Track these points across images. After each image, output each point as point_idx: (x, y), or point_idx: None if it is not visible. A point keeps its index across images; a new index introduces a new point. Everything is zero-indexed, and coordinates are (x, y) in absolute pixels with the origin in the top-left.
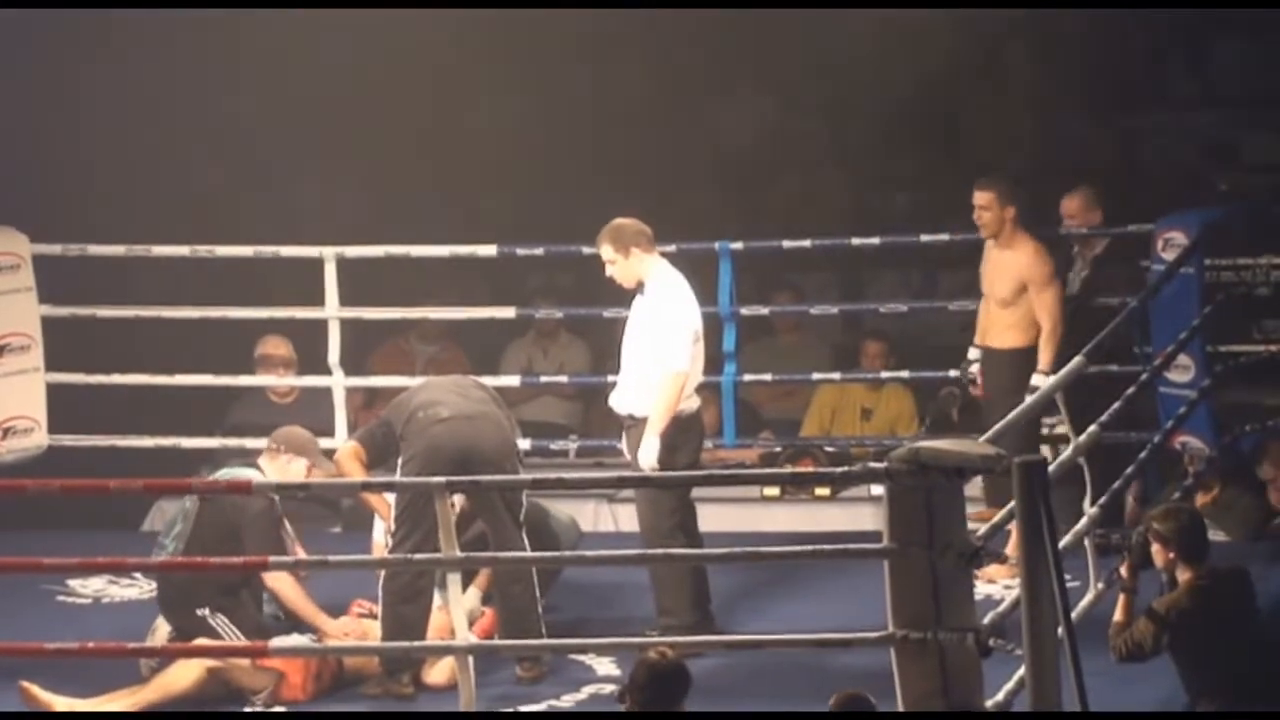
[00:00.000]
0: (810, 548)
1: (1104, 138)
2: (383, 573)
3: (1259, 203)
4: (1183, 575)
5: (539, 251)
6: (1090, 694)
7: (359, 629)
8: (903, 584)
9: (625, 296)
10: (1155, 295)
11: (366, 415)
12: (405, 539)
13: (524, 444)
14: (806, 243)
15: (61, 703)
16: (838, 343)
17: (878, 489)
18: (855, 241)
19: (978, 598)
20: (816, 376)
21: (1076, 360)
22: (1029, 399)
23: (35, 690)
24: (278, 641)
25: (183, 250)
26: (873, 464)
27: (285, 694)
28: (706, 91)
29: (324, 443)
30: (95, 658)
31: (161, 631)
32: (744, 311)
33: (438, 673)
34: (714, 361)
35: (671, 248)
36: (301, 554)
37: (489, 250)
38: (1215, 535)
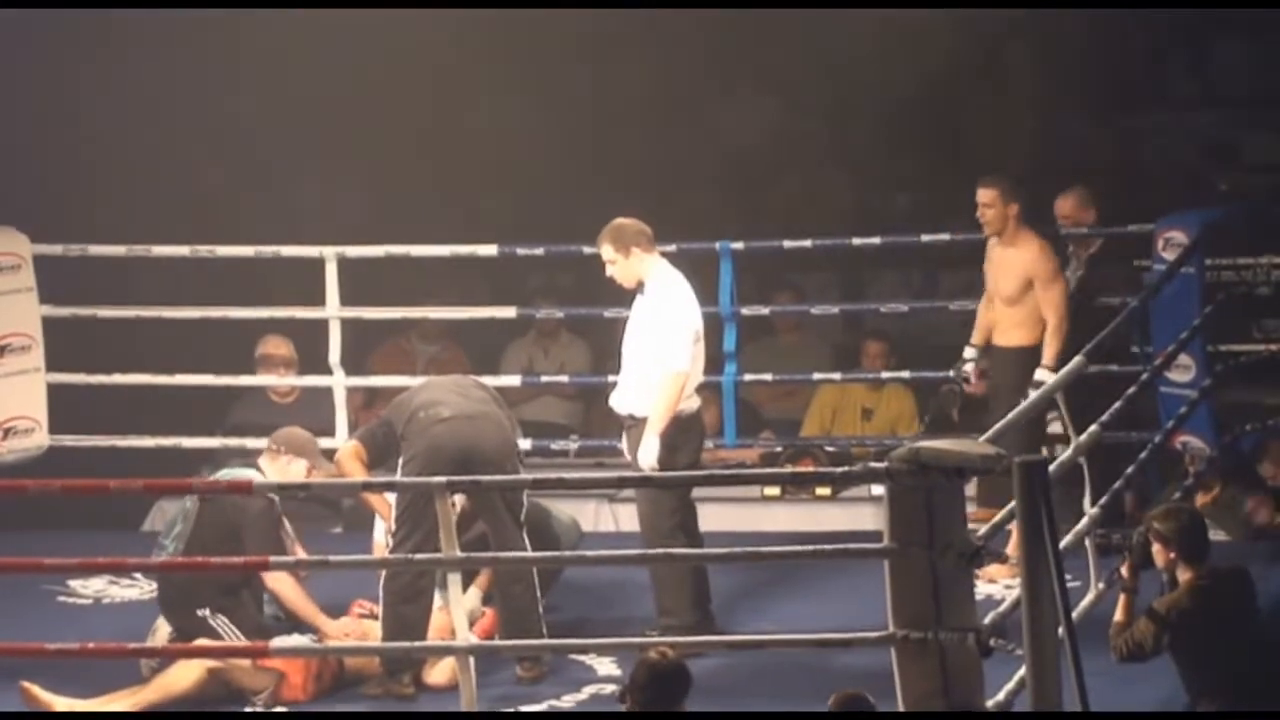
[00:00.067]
0: (811, 548)
1: (1104, 138)
2: (383, 573)
3: (1259, 203)
4: (1183, 575)
5: (540, 251)
6: (1091, 694)
7: (359, 629)
8: (903, 584)
9: (626, 296)
10: (1156, 295)
11: (367, 415)
12: (406, 539)
13: (525, 444)
14: (807, 243)
15: (62, 703)
16: (838, 343)
17: (878, 489)
18: (856, 241)
19: (978, 598)
20: (817, 376)
21: (1077, 360)
22: (1031, 393)
23: (36, 690)
24: (278, 642)
25: (183, 250)
26: (873, 464)
27: (286, 694)
28: (707, 92)
29: (324, 443)
30: (96, 658)
31: (162, 632)
32: (745, 311)
33: (438, 673)
34: (715, 361)
35: (672, 248)
36: (302, 554)
37: (490, 250)
38: (1216, 535)
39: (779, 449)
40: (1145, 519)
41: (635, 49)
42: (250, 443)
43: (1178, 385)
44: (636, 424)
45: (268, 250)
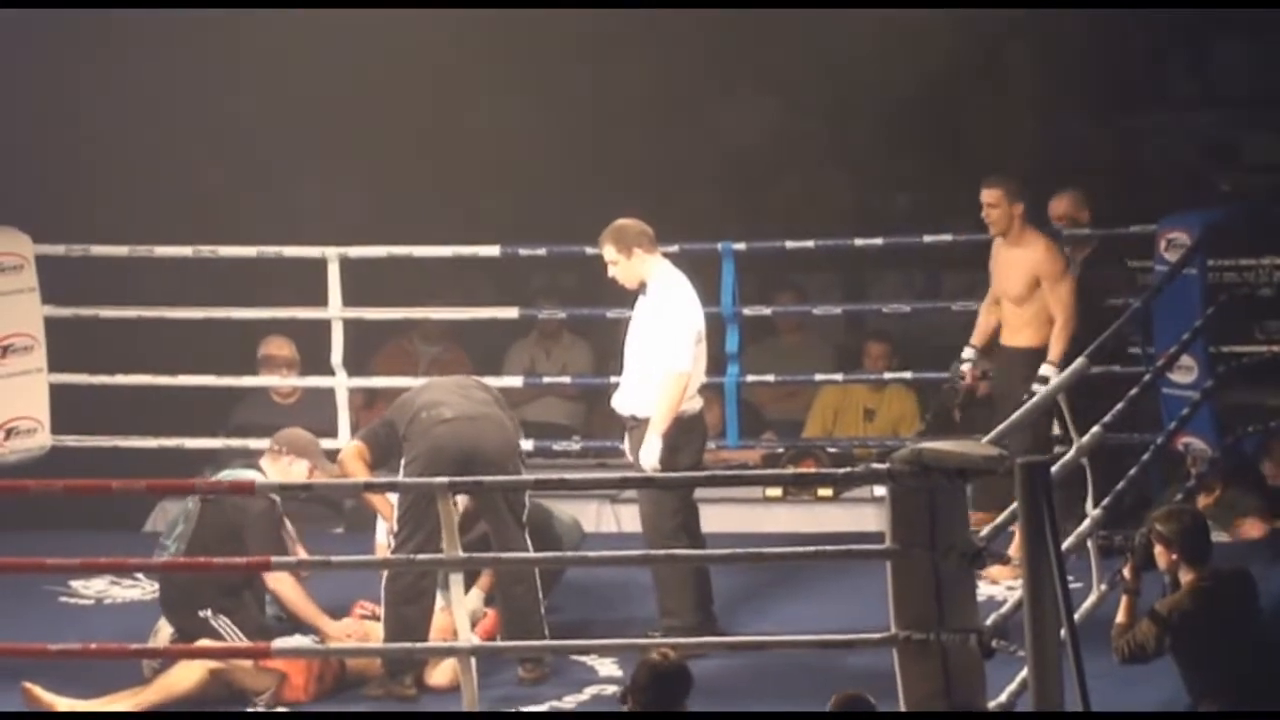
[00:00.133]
0: (813, 549)
1: (1104, 138)
2: (385, 574)
3: (1260, 203)
4: (1185, 577)
5: (542, 252)
6: (1093, 695)
7: (360, 630)
8: (905, 585)
9: (628, 297)
10: (1157, 296)
11: (367, 415)
12: (408, 540)
13: (527, 445)
14: (809, 243)
15: (64, 703)
16: (840, 343)
17: (880, 490)
18: (858, 242)
19: (980, 599)
20: (819, 377)
21: (1079, 361)
22: (1035, 387)
23: (38, 691)
24: (280, 643)
25: (185, 251)
26: (875, 465)
27: (287, 695)
28: (707, 92)
29: (326, 443)
30: (97, 659)
31: (164, 633)
32: (746, 312)
33: (440, 674)
34: (716, 362)
35: (674, 248)
36: (303, 555)
37: (492, 250)
38: (1218, 537)
39: (781, 450)
40: (1147, 520)
41: (635, 49)
42: (252, 443)
43: (1180, 386)
44: (639, 425)
45: (270, 251)
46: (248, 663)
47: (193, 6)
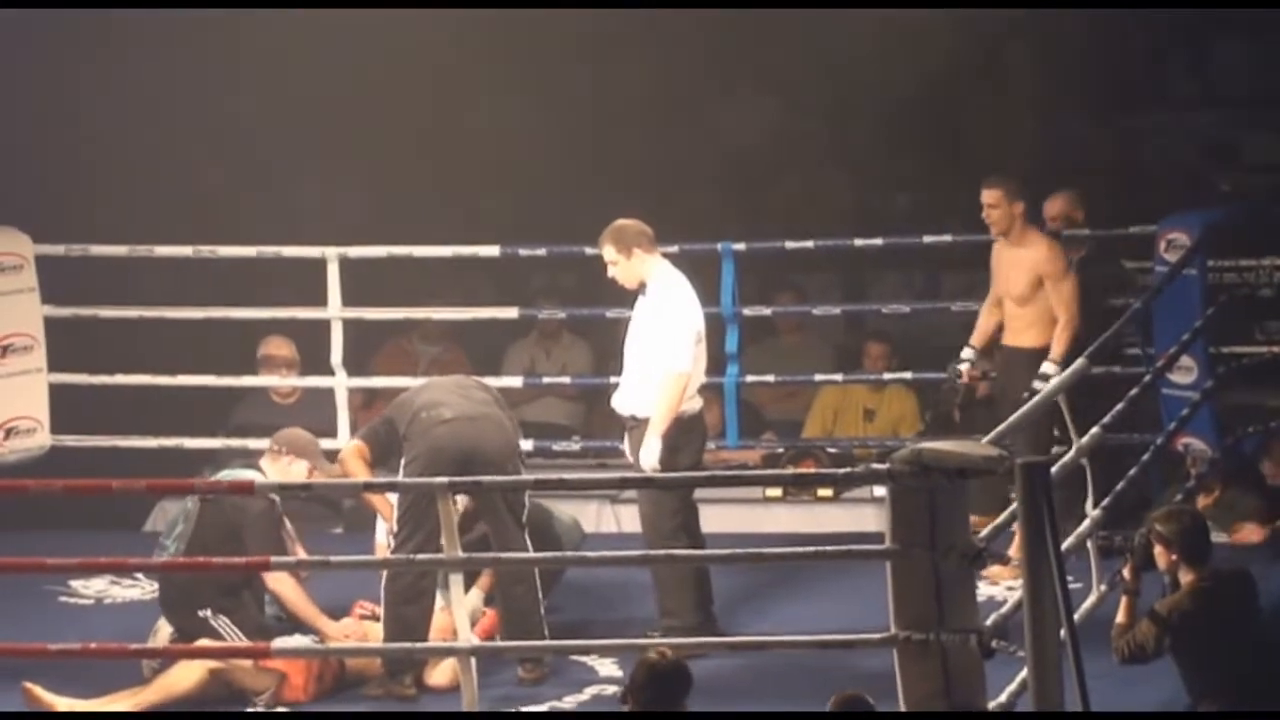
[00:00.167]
0: (813, 549)
1: (1104, 138)
2: (385, 574)
3: (1260, 203)
4: (1185, 577)
5: (542, 252)
6: (1092, 695)
7: (360, 630)
8: (905, 585)
9: (628, 297)
10: (1158, 296)
11: (367, 415)
12: (408, 540)
13: (526, 445)
14: (809, 243)
15: (63, 703)
16: (840, 344)
17: (880, 490)
18: (858, 242)
19: (980, 599)
20: (819, 377)
21: (1080, 362)
22: (1036, 384)
23: (38, 691)
24: (280, 643)
25: (185, 251)
26: (875, 465)
27: (287, 695)
28: (707, 92)
29: (326, 443)
30: (97, 658)
31: (163, 632)
32: (746, 312)
33: (440, 674)
34: (716, 362)
35: (674, 248)
36: (303, 555)
37: (492, 251)
38: (1217, 537)
39: (781, 450)
40: (1147, 521)
41: (635, 49)
42: (252, 443)
43: (1179, 387)
44: (638, 425)
45: (269, 251)
46: (247, 663)
47: (193, 6)
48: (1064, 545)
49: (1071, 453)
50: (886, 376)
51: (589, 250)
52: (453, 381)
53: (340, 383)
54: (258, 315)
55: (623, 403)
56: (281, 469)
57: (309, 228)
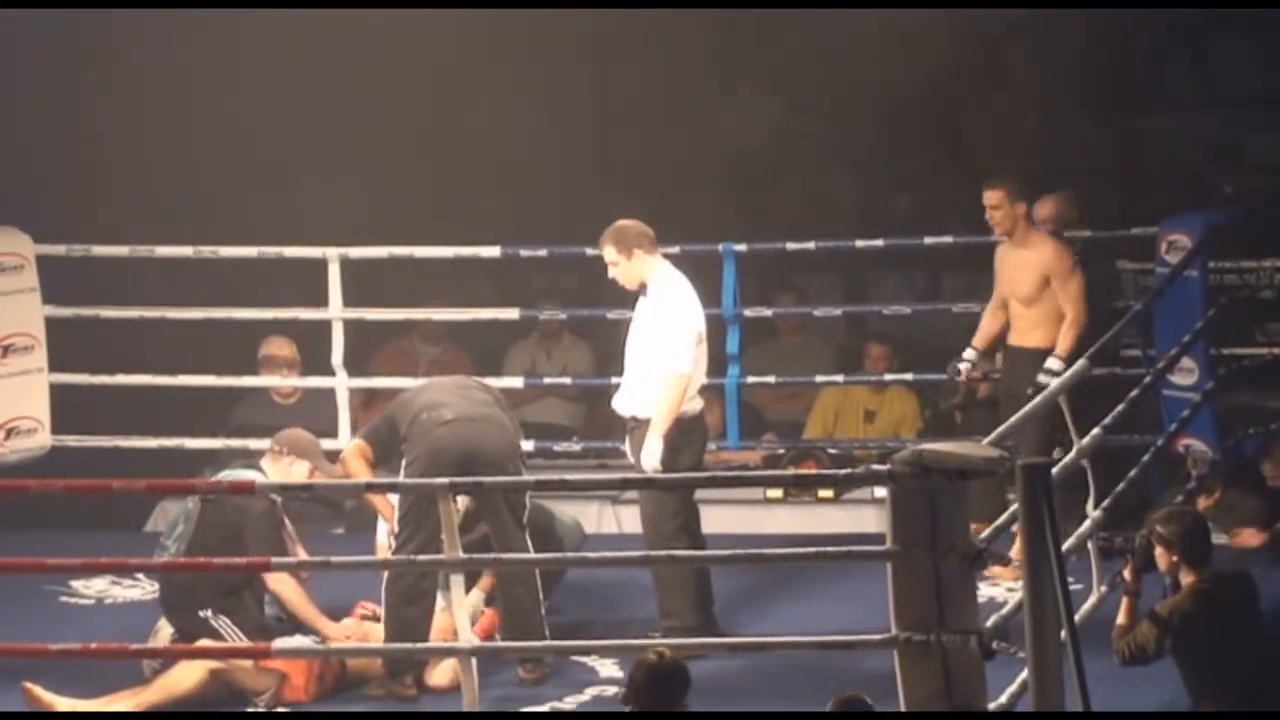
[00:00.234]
0: (813, 550)
1: (1105, 138)
2: (386, 574)
3: (1261, 205)
4: (1186, 578)
5: (542, 253)
6: (1093, 697)
7: (360, 631)
8: (906, 586)
9: (629, 298)
10: (1158, 298)
11: (367, 415)
12: (409, 540)
13: (527, 445)
14: (810, 244)
15: (64, 703)
16: (841, 345)
17: (881, 491)
18: (859, 243)
19: (980, 600)
20: (820, 379)
21: (1080, 363)
22: (1041, 379)
23: (38, 691)
24: (280, 643)
25: (186, 251)
26: (876, 466)
27: (288, 695)
28: (707, 91)
29: (327, 444)
30: (98, 659)
31: (164, 633)
32: (747, 313)
33: (440, 674)
34: (717, 363)
35: (674, 249)
36: (303, 555)
37: (493, 251)
38: (1218, 538)
39: (781, 451)
40: (1148, 522)
41: (635, 49)
42: (253, 444)
43: (1180, 388)
44: (639, 426)
45: (270, 251)
46: (248, 663)
47: (193, 6)
48: (1065, 546)
49: (1072, 454)
50: (887, 378)
51: (590, 251)
52: (453, 382)
53: (341, 383)
54: (258, 315)
55: (623, 404)
56: (282, 470)
57: (309, 228)
